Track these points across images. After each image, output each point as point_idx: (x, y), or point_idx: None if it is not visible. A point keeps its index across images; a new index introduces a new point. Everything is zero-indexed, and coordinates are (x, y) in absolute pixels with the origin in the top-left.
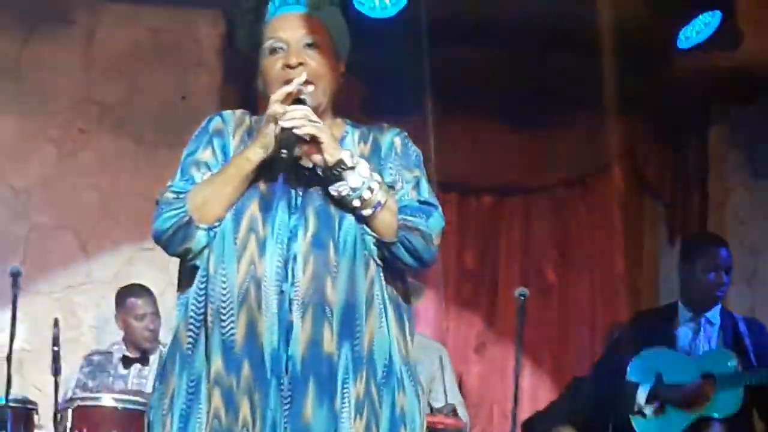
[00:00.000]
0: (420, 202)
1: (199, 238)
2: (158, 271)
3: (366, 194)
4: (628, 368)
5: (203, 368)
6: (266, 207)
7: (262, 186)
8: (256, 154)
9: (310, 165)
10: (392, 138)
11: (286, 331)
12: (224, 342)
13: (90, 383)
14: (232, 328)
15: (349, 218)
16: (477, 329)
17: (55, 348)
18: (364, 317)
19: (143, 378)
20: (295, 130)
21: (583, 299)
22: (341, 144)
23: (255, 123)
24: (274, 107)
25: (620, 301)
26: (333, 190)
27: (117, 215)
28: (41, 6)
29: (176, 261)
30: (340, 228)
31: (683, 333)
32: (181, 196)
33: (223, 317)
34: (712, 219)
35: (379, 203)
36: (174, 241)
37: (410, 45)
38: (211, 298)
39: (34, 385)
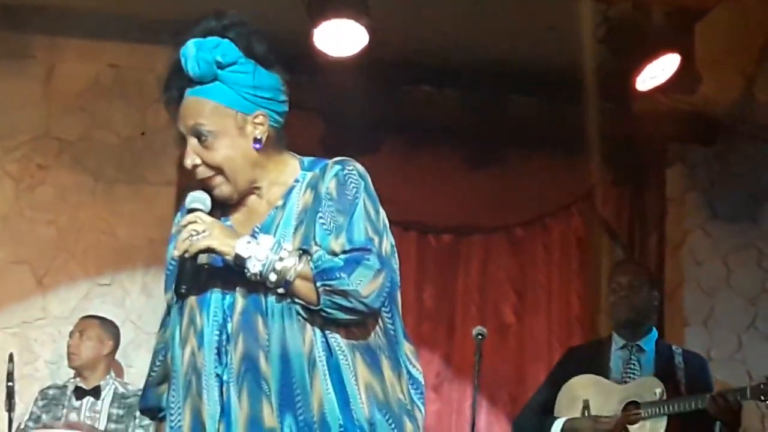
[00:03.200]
0: (345, 251)
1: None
2: (115, 307)
3: (272, 276)
4: (557, 399)
5: None
6: (202, 296)
7: (202, 272)
8: None
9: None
10: (329, 181)
11: (227, 415)
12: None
13: (44, 417)
14: (179, 419)
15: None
16: (435, 367)
17: (10, 384)
18: (308, 383)
19: (96, 413)
20: (186, 255)
21: (540, 339)
22: (287, 198)
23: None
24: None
25: (577, 341)
26: (247, 275)
27: (74, 251)
28: (0, 40)
29: (133, 297)
30: (266, 300)
31: (615, 361)
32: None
33: (172, 409)
34: (669, 260)
35: (287, 281)
36: None
37: (371, 84)
38: (170, 393)
39: None
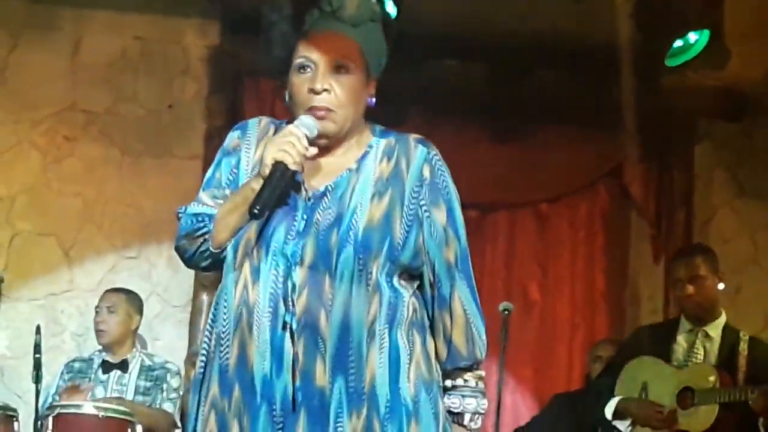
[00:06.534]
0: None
1: (207, 259)
2: (141, 280)
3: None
4: (619, 377)
5: (204, 392)
6: (263, 232)
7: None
8: (258, 184)
9: (320, 189)
10: (421, 164)
11: (278, 358)
12: (221, 366)
13: None
14: (227, 353)
15: (348, 250)
16: None
17: (37, 355)
18: (364, 352)
19: (123, 385)
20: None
21: (564, 316)
22: (361, 163)
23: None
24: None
25: (601, 319)
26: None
27: (101, 223)
28: (28, 13)
29: (159, 270)
30: (338, 260)
31: (679, 345)
32: (205, 216)
33: (222, 341)
34: (696, 237)
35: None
36: (193, 255)
37: (397, 59)
38: (216, 324)
39: (15, 393)
